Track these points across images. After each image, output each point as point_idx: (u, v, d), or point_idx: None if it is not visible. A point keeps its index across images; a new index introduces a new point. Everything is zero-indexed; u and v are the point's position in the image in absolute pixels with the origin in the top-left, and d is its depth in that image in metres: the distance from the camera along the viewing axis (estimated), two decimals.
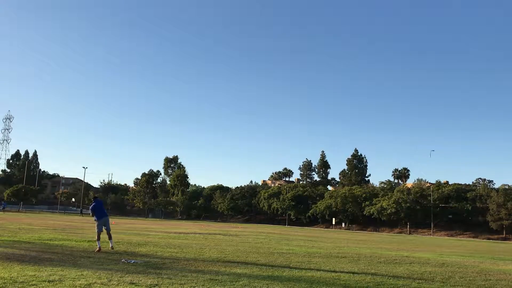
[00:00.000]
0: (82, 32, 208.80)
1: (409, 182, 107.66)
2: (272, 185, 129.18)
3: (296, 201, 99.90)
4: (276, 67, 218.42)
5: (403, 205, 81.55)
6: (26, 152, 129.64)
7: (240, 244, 21.20)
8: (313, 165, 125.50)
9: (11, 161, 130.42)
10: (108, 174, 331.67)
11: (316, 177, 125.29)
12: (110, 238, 14.30)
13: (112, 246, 14.19)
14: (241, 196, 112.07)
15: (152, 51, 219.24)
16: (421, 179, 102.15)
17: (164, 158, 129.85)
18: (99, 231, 14.06)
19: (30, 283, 7.48)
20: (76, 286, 7.46)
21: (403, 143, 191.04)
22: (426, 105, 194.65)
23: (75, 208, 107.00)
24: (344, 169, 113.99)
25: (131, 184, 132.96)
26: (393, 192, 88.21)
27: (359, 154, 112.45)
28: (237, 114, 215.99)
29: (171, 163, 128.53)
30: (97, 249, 13.63)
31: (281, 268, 11.78)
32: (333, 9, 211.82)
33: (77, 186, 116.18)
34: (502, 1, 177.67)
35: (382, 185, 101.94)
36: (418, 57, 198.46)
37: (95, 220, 14.35)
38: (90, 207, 14.54)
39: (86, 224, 37.10)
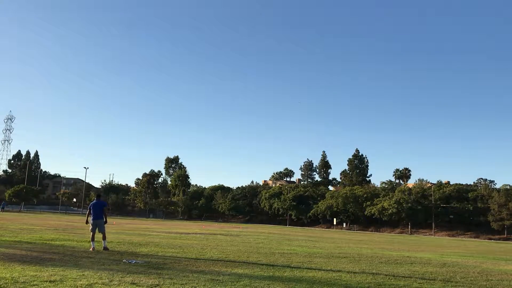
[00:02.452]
0: (82, 32, 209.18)
1: (410, 182, 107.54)
2: (273, 185, 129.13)
3: (297, 201, 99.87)
4: (276, 67, 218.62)
5: (404, 205, 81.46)
6: (28, 153, 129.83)
7: (241, 244, 21.21)
8: (314, 165, 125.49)
9: (12, 161, 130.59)
10: (109, 174, 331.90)
11: (317, 177, 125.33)
12: (103, 238, 14.34)
13: (104, 247, 14.12)
14: (242, 196, 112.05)
15: (152, 51, 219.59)
16: (422, 179, 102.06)
17: (165, 158, 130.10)
18: (93, 231, 14.27)
19: (31, 283, 7.49)
20: (77, 286, 7.47)
21: (404, 143, 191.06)
22: (426, 105, 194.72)
23: (76, 209, 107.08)
24: (345, 169, 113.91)
25: (132, 184, 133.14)
26: (394, 192, 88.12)
27: (360, 154, 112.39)
28: (237, 114, 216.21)
29: (172, 163, 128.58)
30: (91, 248, 13.94)
31: (282, 268, 11.78)
32: (334, 9, 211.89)
33: (78, 187, 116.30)
34: (503, 3, 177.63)
35: (383, 185, 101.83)
36: (418, 57, 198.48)
37: (90, 220, 14.46)
38: (89, 205, 14.80)
39: (87, 224, 37.10)
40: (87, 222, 14.57)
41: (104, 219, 14.65)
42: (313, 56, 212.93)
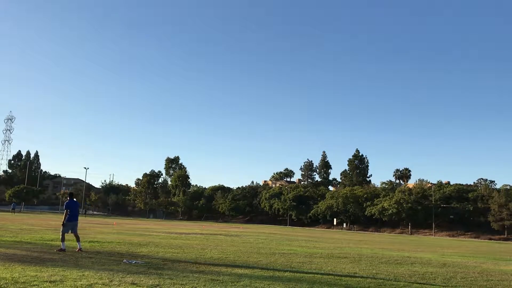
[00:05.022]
0: (82, 32, 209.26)
1: (411, 183, 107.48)
2: (273, 185, 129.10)
3: (297, 201, 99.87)
4: (276, 67, 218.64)
5: (404, 205, 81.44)
6: (28, 153, 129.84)
7: (241, 244, 21.21)
8: (314, 166, 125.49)
9: (12, 161, 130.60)
10: (110, 175, 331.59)
11: (317, 178, 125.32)
12: (78, 240, 13.62)
13: (80, 248, 13.42)
14: (242, 196, 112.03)
15: (152, 51, 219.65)
16: (422, 180, 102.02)
17: (165, 158, 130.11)
18: (65, 232, 13.44)
19: (31, 284, 7.49)
20: (77, 287, 7.47)
21: (404, 143, 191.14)
22: (427, 105, 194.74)
23: None
24: (345, 170, 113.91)
25: (132, 184, 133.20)
26: (395, 192, 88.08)
27: (360, 154, 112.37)
28: (237, 114, 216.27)
29: (172, 163, 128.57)
30: (60, 248, 13.09)
31: (282, 268, 11.78)
32: (333, 9, 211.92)
33: (79, 187, 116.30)
34: (503, 4, 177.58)
35: (384, 185, 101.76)
36: (418, 57, 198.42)
37: (65, 220, 13.53)
38: (65, 204, 13.76)
39: (88, 224, 37.14)
40: (64, 223, 13.56)
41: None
42: (313, 56, 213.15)
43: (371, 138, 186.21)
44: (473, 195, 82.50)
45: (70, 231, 13.63)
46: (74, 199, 14.19)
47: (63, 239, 13.35)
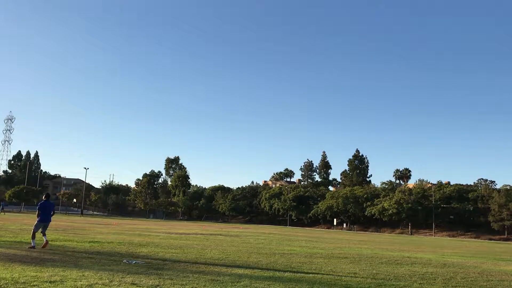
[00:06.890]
0: (82, 32, 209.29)
1: (411, 183, 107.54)
2: (273, 185, 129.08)
3: (297, 201, 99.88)
4: (276, 67, 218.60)
5: (404, 205, 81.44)
6: (28, 153, 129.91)
7: (241, 244, 21.20)
8: (314, 166, 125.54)
9: (12, 161, 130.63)
10: (110, 175, 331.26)
11: (317, 178, 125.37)
12: (44, 234, 13.86)
13: (46, 241, 13.68)
14: (242, 196, 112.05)
15: (152, 51, 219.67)
16: (423, 180, 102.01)
17: (165, 158, 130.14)
18: (36, 231, 13.63)
19: (31, 284, 7.49)
20: (77, 287, 7.47)
21: (405, 143, 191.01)
22: (427, 105, 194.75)
23: (76, 209, 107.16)
24: (345, 170, 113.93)
25: (132, 184, 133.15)
26: (395, 192, 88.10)
27: (360, 154, 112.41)
28: (238, 114, 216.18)
29: (172, 163, 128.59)
30: (30, 246, 13.45)
31: (282, 268, 11.78)
32: (334, 9, 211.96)
33: (79, 187, 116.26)
34: (502, 4, 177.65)
35: (384, 185, 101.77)
36: (418, 57, 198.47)
37: (37, 220, 13.77)
38: (38, 205, 13.95)
39: (87, 224, 37.12)
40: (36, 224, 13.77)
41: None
42: (313, 56, 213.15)
43: (371, 138, 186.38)
44: (473, 195, 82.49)
45: (40, 230, 13.83)
46: (49, 199, 14.26)
47: (33, 237, 13.61)
